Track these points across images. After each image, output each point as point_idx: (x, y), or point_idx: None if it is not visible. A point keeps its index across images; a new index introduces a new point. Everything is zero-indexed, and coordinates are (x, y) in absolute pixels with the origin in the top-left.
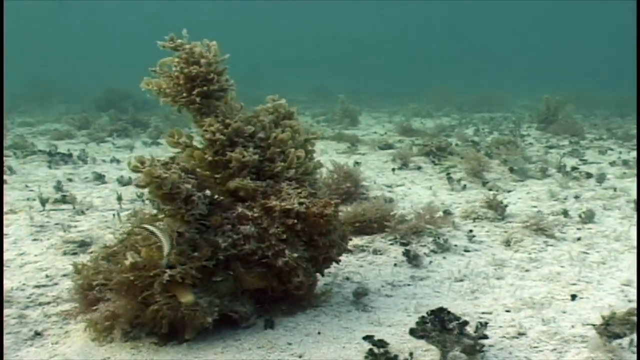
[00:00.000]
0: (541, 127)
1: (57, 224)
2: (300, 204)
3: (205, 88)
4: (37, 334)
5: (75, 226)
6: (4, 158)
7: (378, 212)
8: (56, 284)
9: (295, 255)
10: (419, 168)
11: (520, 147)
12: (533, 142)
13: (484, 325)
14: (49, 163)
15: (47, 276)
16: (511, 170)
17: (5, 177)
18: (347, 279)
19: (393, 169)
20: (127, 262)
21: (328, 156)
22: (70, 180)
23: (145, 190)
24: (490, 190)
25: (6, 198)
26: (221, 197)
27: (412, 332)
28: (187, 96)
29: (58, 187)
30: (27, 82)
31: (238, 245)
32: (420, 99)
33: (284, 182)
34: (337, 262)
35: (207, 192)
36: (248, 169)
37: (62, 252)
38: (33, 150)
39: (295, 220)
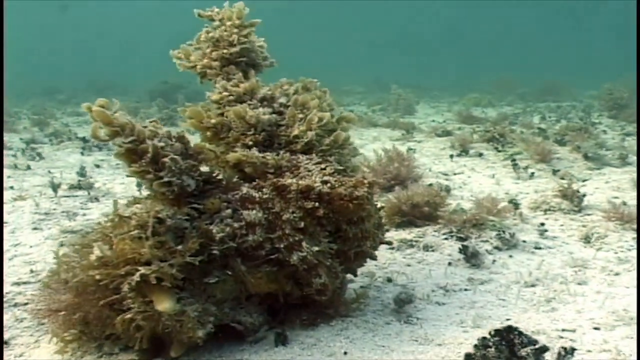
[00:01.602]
0: (612, 114)
1: (64, 211)
2: (324, 182)
3: (224, 51)
4: (4, 342)
5: (84, 214)
6: (38, 145)
7: (430, 200)
8: (39, 281)
9: (316, 249)
10: (480, 155)
11: (593, 134)
12: (606, 129)
13: (571, 351)
14: (82, 150)
15: (31, 271)
16: (585, 157)
17: (30, 162)
18: (389, 280)
19: (451, 156)
20: (93, 257)
21: (381, 143)
22: (97, 166)
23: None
24: (562, 179)
25: (23, 184)
26: (220, 175)
27: (469, 358)
28: (207, 61)
29: (81, 173)
30: (88, 76)
31: (239, 236)
32: (481, 89)
33: (303, 156)
34: (373, 258)
35: (204, 168)
36: (255, 131)
37: (59, 243)
38: (69, 137)
39: (317, 204)
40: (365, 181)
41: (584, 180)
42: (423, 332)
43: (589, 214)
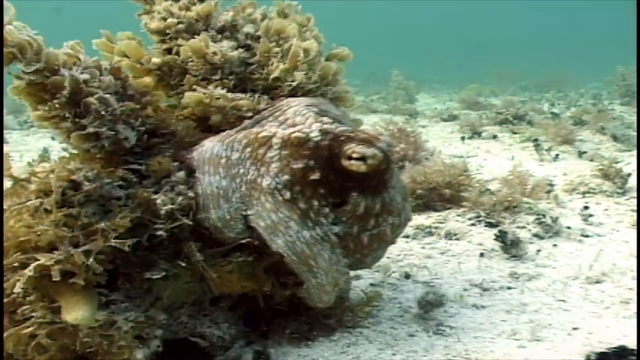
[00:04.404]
0: (625, 101)
1: None
2: (324, 133)
3: None
4: None
5: None
6: (7, 131)
7: (449, 178)
8: None
9: (309, 231)
10: (495, 137)
11: (613, 117)
12: (623, 115)
13: None
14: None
15: None
16: (614, 138)
17: None
18: (407, 276)
19: (462, 138)
20: None
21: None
22: (65, 150)
23: None
24: (591, 160)
25: None
26: (173, 126)
27: None
28: None
29: (43, 156)
30: None
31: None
32: (480, 81)
33: (289, 98)
34: (392, 242)
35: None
36: (222, 74)
37: None
38: None
39: (313, 162)
40: (379, 135)
41: (616, 162)
42: (462, 347)
43: (634, 197)
